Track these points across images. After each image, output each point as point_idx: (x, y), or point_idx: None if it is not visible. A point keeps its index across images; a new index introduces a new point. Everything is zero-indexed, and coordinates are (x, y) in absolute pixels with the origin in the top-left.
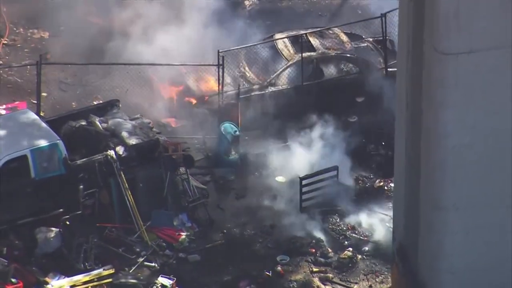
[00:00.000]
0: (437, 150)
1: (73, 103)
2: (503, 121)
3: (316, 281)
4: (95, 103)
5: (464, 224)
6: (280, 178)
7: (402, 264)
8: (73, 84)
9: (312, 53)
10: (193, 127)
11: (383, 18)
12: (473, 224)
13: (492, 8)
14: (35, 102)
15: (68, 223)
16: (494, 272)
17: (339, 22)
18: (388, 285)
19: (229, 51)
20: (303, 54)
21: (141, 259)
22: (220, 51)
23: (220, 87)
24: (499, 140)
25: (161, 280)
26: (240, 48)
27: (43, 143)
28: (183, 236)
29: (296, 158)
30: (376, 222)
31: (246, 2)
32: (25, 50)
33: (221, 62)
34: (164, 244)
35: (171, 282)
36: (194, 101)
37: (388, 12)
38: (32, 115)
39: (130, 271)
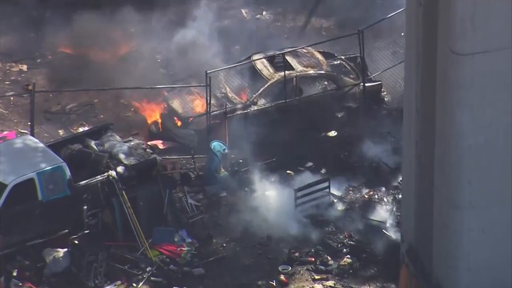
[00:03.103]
0: (453, 150)
1: (60, 131)
2: None
3: None
4: (81, 130)
5: (480, 221)
6: (270, 192)
7: (413, 265)
8: (58, 113)
9: (292, 72)
10: (180, 148)
11: (360, 35)
12: (488, 221)
13: (507, 8)
14: (23, 131)
15: (76, 242)
16: (510, 269)
17: (304, 43)
18: None
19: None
20: (283, 73)
21: (147, 275)
22: (207, 72)
23: (207, 107)
24: None
25: None
26: (225, 68)
27: (48, 166)
28: (185, 251)
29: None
30: (371, 229)
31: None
32: (6, 82)
33: (208, 83)
34: (168, 259)
35: None
36: (179, 123)
37: (365, 28)
38: (34, 140)
39: (138, 287)
